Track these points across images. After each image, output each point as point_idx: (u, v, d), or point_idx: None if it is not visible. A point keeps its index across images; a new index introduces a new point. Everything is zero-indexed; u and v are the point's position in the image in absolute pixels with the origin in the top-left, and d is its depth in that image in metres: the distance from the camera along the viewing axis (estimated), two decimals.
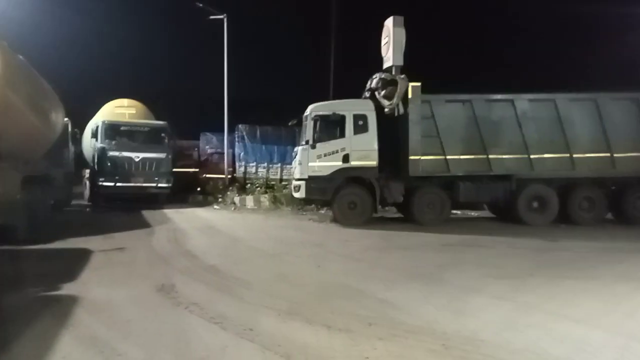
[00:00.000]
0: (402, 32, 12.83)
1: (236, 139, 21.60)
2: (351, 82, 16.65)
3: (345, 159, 11.89)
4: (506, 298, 5.52)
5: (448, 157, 11.85)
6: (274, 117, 22.58)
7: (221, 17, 19.68)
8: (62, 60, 21.58)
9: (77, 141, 18.41)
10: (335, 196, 11.95)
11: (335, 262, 7.77)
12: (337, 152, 11.90)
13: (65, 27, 24.43)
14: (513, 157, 11.93)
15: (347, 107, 12.15)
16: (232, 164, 21.34)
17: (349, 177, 11.97)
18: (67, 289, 5.87)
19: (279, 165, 21.49)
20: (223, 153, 21.21)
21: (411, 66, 12.87)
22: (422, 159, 11.81)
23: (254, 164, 21.50)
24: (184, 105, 27.22)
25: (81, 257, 7.71)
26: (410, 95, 11.84)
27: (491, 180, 12.01)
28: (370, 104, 12.21)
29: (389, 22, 13.16)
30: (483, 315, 4.89)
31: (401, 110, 12.30)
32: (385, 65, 13.10)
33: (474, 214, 14.32)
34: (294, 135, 21.20)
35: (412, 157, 11.79)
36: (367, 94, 12.85)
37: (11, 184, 8.75)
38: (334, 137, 12.04)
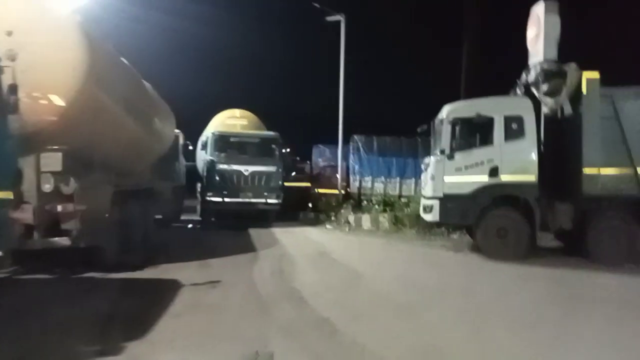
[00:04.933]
0: (556, 20, 10.00)
1: (351, 151, 19.72)
2: (485, 84, 14.03)
3: (493, 172, 9.28)
4: None
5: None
6: (392, 127, 20.47)
7: (338, 18, 18.02)
8: (173, 71, 21.47)
9: (190, 154, 17.84)
10: (479, 220, 9.36)
11: (500, 329, 5.23)
12: (482, 163, 9.34)
13: (176, 39, 24.55)
14: None
15: (496, 107, 9.56)
16: (346, 178, 19.48)
17: (498, 196, 9.34)
18: (128, 354, 4.19)
19: (398, 179, 19.17)
20: (336, 166, 19.43)
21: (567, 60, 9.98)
22: (602, 174, 8.84)
23: (370, 178, 19.42)
24: (295, 116, 26.13)
25: (165, 295, 6.14)
26: (585, 90, 8.96)
27: None
28: (527, 103, 9.50)
29: (538, 9, 10.36)
30: None
31: (567, 110, 9.44)
32: (533, 60, 10.33)
33: None
34: (415, 147, 18.89)
35: (587, 171, 8.87)
36: (519, 91, 10.16)
37: (100, 199, 7.53)
38: (478, 145, 9.52)
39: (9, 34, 5.90)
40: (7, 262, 6.54)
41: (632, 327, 5.21)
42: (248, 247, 10.44)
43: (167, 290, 6.41)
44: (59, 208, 6.68)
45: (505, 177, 9.24)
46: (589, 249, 9.03)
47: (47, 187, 6.64)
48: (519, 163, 9.24)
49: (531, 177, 9.17)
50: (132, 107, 8.90)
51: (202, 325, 5.08)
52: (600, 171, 8.84)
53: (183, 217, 16.14)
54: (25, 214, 6.49)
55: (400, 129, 19.17)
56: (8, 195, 5.42)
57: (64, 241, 6.78)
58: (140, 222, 9.82)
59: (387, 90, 26.96)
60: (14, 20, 6.15)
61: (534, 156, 9.21)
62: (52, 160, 6.64)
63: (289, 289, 6.70)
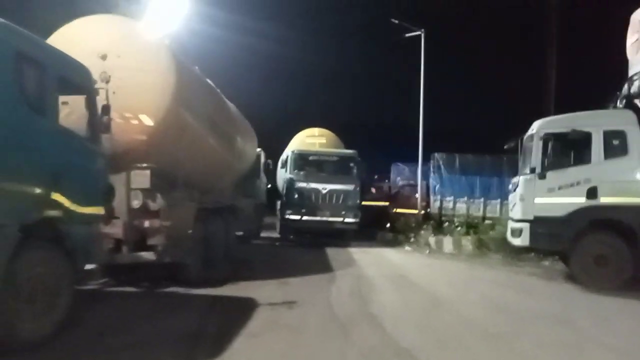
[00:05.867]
0: None
1: (431, 170, 19.17)
2: (576, 100, 13.05)
3: (591, 193, 8.49)
4: None
5: None
6: (475, 144, 19.67)
7: (418, 33, 17.74)
8: (257, 91, 22.13)
9: (271, 172, 18.22)
10: (575, 246, 8.57)
11: None
12: (578, 184, 8.58)
13: (260, 60, 25.31)
14: None
15: (594, 121, 8.78)
16: (426, 197, 18.91)
17: (596, 220, 8.52)
18: None
19: (482, 200, 18.32)
20: (416, 185, 18.94)
21: None
22: None
23: (452, 198, 18.72)
24: (375, 133, 25.92)
25: (243, 313, 6.13)
26: None
27: None
28: (630, 116, 8.63)
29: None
30: None
31: None
32: (633, 70, 9.43)
33: None
34: (500, 165, 17.98)
35: None
36: (620, 104, 9.30)
37: (184, 216, 7.76)
38: (574, 163, 8.79)
39: (104, 57, 6.27)
40: (98, 275, 6.84)
41: None
42: (325, 267, 10.32)
43: (246, 308, 6.39)
44: (146, 224, 6.95)
45: (605, 199, 8.40)
46: None
47: (136, 203, 6.93)
48: (621, 183, 8.37)
49: (636, 199, 8.26)
50: (215, 127, 9.19)
51: (280, 346, 4.97)
52: None
53: (263, 234, 16.39)
54: (115, 229, 6.80)
55: (483, 146, 18.41)
56: (100, 210, 5.72)
57: (150, 256, 7.03)
58: (222, 238, 10.03)
59: (470, 106, 26.06)
60: (107, 44, 6.54)
61: (639, 175, 8.32)
62: (142, 178, 6.93)
63: (367, 312, 6.44)
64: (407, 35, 17.89)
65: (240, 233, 13.36)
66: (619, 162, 8.45)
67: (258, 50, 24.47)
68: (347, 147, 17.64)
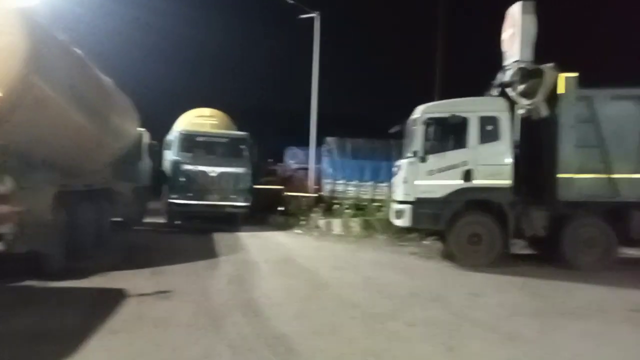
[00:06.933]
0: (533, 20, 9.73)
1: (323, 153, 19.25)
2: (460, 87, 13.74)
3: (467, 176, 8.90)
4: None
5: (616, 175, 8.49)
6: (367, 129, 20.07)
7: (313, 15, 17.50)
8: (144, 69, 20.71)
9: (156, 154, 17.07)
10: (451, 226, 8.97)
11: (474, 340, 4.87)
12: (455, 166, 8.95)
13: (148, 37, 23.65)
14: None
15: (471, 108, 9.18)
16: (319, 181, 18.98)
17: (471, 201, 8.96)
18: None
19: (371, 183, 18.77)
20: (309, 169, 18.93)
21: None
22: (577, 178, 8.57)
23: (343, 181, 18.97)
24: (269, 117, 25.50)
25: (107, 306, 5.55)
26: (561, 91, 8.68)
27: None
28: (502, 103, 9.16)
29: (515, 9, 10.10)
30: None
31: (544, 112, 9.15)
32: (508, 62, 10.06)
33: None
34: (389, 149, 18.49)
35: (562, 176, 8.58)
36: (495, 92, 9.83)
37: (41, 201, 6.85)
38: (452, 147, 9.12)
39: None
40: None
41: (612, 343, 4.87)
42: (209, 253, 9.81)
43: (112, 301, 5.79)
44: None
45: (478, 181, 8.86)
46: (564, 257, 8.76)
47: None
48: (493, 166, 8.87)
49: (505, 182, 8.81)
50: (82, 101, 8.22)
51: (141, 343, 4.51)
52: (575, 176, 8.56)
53: (147, 220, 15.36)
54: None
55: (376, 130, 18.79)
56: None
57: None
58: (92, 225, 9.17)
59: (363, 90, 26.58)
60: None
61: (509, 159, 8.87)
62: None
63: (245, 299, 6.14)
64: (302, 16, 17.60)
65: (119, 219, 12.41)
66: (491, 147, 8.92)
67: (146, 25, 22.80)
68: (240, 130, 17.01)
